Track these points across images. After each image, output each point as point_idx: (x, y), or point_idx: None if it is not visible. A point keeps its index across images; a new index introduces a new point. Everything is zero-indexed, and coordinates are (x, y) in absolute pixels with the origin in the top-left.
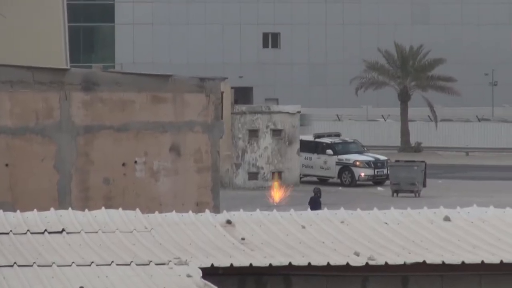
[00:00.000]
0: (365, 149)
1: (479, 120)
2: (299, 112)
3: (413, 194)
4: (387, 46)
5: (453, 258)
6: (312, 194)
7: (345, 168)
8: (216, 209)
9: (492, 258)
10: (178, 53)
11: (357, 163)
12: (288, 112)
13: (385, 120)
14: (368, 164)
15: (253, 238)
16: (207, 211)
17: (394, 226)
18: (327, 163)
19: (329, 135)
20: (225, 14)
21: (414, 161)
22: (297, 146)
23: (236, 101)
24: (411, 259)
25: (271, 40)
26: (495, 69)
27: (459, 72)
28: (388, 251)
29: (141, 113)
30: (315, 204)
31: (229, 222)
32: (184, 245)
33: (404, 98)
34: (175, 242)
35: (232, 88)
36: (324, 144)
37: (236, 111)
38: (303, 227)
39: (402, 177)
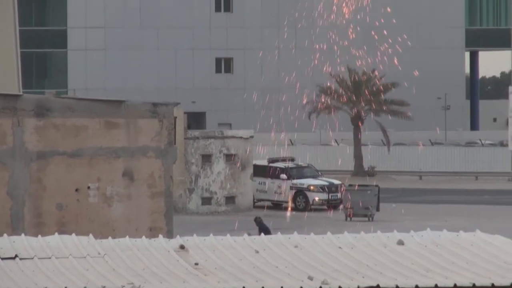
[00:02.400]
0: (320, 173)
1: (432, 144)
2: (252, 136)
3: (366, 218)
4: (340, 70)
5: (407, 282)
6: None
7: (299, 193)
8: (169, 234)
9: (446, 281)
10: (131, 78)
11: (311, 187)
12: (241, 137)
13: (338, 145)
14: (322, 189)
15: (206, 263)
16: (160, 236)
17: (347, 250)
18: (281, 188)
19: (283, 160)
20: (177, 39)
21: (367, 185)
22: (250, 170)
23: (189, 126)
24: (364, 283)
25: (224, 65)
26: (448, 93)
27: (412, 96)
28: (341, 275)
29: (94, 138)
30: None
31: (182, 247)
32: (137, 270)
33: (357, 122)
34: (128, 267)
35: (185, 113)
36: (278, 168)
37: (189, 136)
38: (257, 251)
39: (356, 201)
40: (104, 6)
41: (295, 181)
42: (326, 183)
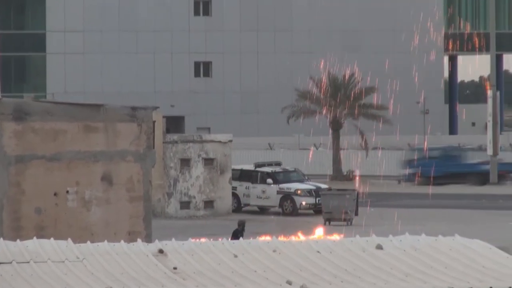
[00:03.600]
0: (306, 177)
1: (410, 148)
2: (230, 141)
3: (345, 223)
4: (319, 74)
5: (386, 286)
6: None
7: (287, 197)
8: (148, 239)
9: (424, 286)
10: (110, 82)
11: (299, 191)
12: (220, 141)
13: (316, 149)
14: (309, 193)
15: (185, 267)
16: (139, 240)
17: (326, 255)
18: (266, 192)
19: (269, 164)
20: (156, 43)
21: (346, 190)
22: (229, 175)
23: (168, 130)
24: (343, 287)
25: (203, 69)
26: (426, 97)
27: (390, 100)
28: (320, 280)
29: (73, 142)
30: (235, 238)
31: (161, 251)
32: (116, 274)
33: (335, 126)
34: (107, 271)
35: (163, 117)
36: (265, 173)
37: (168, 140)
38: (235, 256)
39: (334, 206)
40: (83, 9)
41: (282, 185)
42: (313, 187)
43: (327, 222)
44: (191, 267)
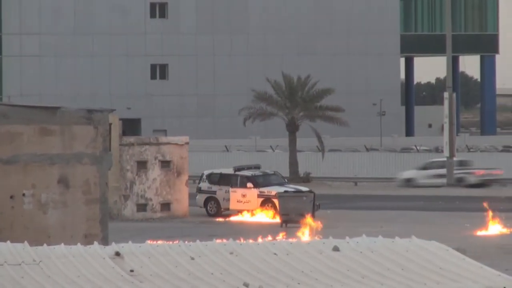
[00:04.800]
0: (286, 180)
1: (367, 150)
2: (187, 143)
3: (302, 225)
4: (275, 76)
5: None
6: None
7: (267, 201)
8: (104, 241)
9: (381, 287)
10: (66, 85)
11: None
12: (176, 144)
13: (273, 151)
14: None
15: (142, 270)
16: (95, 243)
17: (283, 257)
18: (247, 197)
19: (249, 168)
20: (112, 46)
21: (303, 191)
22: (185, 177)
23: (124, 133)
24: None
25: (159, 71)
26: (383, 99)
27: (347, 102)
28: (277, 282)
29: (29, 145)
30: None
31: (118, 254)
32: (72, 277)
33: (292, 128)
34: (63, 274)
35: (120, 119)
36: (245, 177)
37: (124, 143)
38: (192, 258)
39: (291, 208)
40: (39, 12)
41: (262, 189)
42: (293, 191)
43: (284, 224)
44: (148, 269)
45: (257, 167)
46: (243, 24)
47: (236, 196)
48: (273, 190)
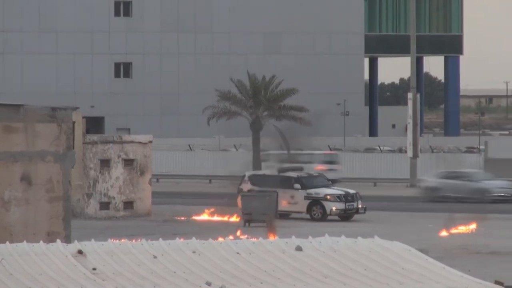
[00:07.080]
0: (330, 182)
1: (331, 149)
2: (151, 142)
3: (265, 224)
4: (240, 75)
5: None
6: None
7: (315, 203)
8: (67, 239)
9: (344, 287)
10: (30, 82)
11: (328, 197)
12: (140, 142)
13: (237, 150)
14: (339, 198)
15: (104, 268)
16: (58, 241)
17: (246, 256)
18: (294, 198)
19: (293, 169)
20: (76, 44)
21: (266, 191)
22: (149, 176)
23: (88, 131)
24: None
25: (123, 69)
26: (347, 99)
27: (311, 102)
28: (240, 281)
29: None
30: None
31: (80, 252)
32: (35, 275)
33: (256, 127)
34: (26, 272)
35: (83, 117)
36: (291, 178)
37: (88, 141)
38: (155, 257)
39: (254, 207)
40: (3, 9)
41: (309, 190)
42: (342, 192)
43: (246, 224)
44: (111, 268)
45: (300, 168)
46: (207, 23)
47: (284, 197)
48: (320, 192)
